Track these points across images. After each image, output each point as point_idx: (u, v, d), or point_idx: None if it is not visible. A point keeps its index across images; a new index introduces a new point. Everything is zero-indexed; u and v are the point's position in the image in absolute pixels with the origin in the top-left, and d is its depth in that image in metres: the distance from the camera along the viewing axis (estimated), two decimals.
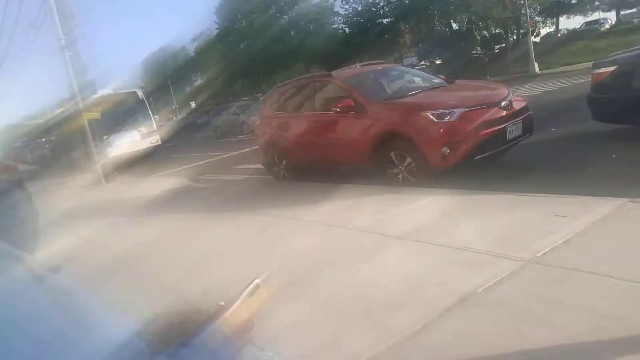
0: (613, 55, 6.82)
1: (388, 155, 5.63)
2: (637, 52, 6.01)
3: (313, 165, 6.97)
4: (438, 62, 34.98)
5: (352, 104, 6.00)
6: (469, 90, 6.46)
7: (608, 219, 3.18)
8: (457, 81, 6.98)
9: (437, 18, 35.69)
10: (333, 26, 40.12)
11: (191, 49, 52.93)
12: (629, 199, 3.44)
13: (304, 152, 6.95)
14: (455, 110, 5.26)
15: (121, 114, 14.89)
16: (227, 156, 13.42)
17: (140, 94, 16.18)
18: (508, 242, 3.17)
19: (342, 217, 4.49)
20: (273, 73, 39.62)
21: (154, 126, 15.94)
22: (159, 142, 15.67)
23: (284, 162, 7.40)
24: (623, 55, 6.45)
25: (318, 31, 38.03)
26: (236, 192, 7.39)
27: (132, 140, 14.83)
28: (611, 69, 5.87)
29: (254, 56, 37.06)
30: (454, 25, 35.60)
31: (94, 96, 13.54)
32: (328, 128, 6.48)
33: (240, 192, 7.38)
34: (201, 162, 12.95)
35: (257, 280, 1.04)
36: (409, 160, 5.44)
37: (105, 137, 13.85)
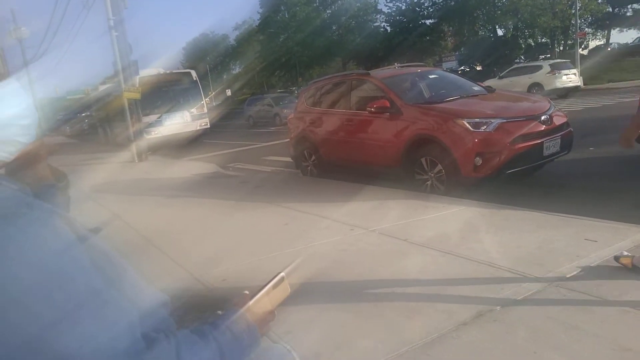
0: None
1: (419, 161, 5.58)
2: None
3: (342, 163, 6.98)
4: (479, 68, 34.26)
5: (388, 105, 5.97)
6: (509, 101, 6.31)
7: None
8: (497, 90, 6.83)
9: (481, 22, 34.94)
10: (375, 24, 39.83)
11: (232, 37, 53.61)
12: None
13: (335, 149, 6.96)
14: (492, 121, 5.15)
15: (174, 93, 14.93)
16: (257, 146, 13.57)
17: (194, 75, 15.91)
18: (533, 261, 3.10)
19: (366, 219, 4.48)
20: (310, 67, 39.72)
21: (205, 109, 15.69)
22: (208, 126, 15.61)
23: (314, 157, 7.43)
24: None
25: (359, 28, 37.82)
26: (263, 182, 7.47)
27: (182, 122, 14.74)
28: None
29: (292, 49, 37.21)
30: (499, 32, 34.78)
31: (147, 74, 13.76)
32: (361, 127, 6.47)
33: (268, 183, 7.46)
34: (231, 150, 13.14)
35: (282, 274, 1.06)
36: (439, 167, 5.37)
37: (157, 116, 14.03)
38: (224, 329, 0.90)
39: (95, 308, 0.63)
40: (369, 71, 7.05)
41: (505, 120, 5.18)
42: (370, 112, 6.15)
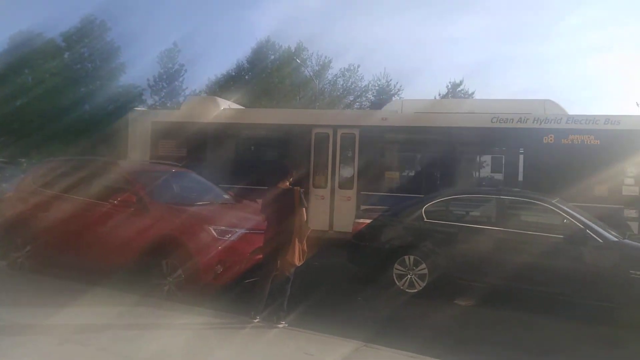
0: None
1: (159, 263, 5.25)
2: None
3: (69, 257, 6.00)
4: None
5: (134, 199, 5.59)
6: (253, 213, 6.73)
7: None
8: (244, 201, 7.27)
9: None
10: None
11: None
12: (364, 343, 3.88)
13: (60, 241, 5.97)
14: (237, 230, 5.36)
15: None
16: None
17: None
18: None
19: (83, 330, 3.83)
20: (51, 140, 34.89)
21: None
22: None
23: (29, 247, 6.15)
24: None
25: (118, 113, 36.11)
26: None
27: None
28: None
29: (30, 117, 32.25)
30: None
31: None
32: (99, 219, 5.77)
33: None
34: None
35: None
36: (179, 271, 5.15)
37: None
38: None
39: None
40: (119, 160, 6.61)
41: (247, 231, 5.46)
42: (113, 204, 5.63)
